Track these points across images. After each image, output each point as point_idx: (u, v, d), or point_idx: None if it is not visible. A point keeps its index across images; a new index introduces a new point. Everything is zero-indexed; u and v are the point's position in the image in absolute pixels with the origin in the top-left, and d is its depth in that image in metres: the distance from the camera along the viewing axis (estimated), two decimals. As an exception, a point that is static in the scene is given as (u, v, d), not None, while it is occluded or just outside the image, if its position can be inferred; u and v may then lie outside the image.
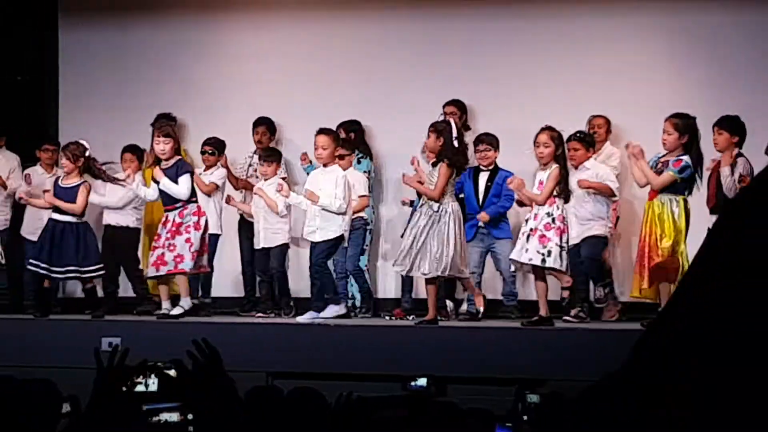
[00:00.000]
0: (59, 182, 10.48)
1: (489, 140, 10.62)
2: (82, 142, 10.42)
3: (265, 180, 11.02)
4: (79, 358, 5.64)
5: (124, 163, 11.22)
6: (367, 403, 4.70)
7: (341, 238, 10.19)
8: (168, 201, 10.16)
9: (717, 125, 9.75)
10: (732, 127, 9.76)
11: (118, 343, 4.44)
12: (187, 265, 10.07)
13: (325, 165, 10.26)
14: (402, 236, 9.96)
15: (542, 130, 9.65)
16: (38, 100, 12.47)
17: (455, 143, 9.64)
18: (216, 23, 12.37)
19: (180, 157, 10.31)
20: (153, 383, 5.16)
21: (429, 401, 5.60)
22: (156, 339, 9.11)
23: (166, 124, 10.39)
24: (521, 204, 10.06)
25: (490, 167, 10.60)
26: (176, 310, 10.17)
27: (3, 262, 10.96)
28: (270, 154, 11.11)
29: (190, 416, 4.28)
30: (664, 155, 9.47)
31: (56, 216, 10.38)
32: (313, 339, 9.41)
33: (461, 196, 10.36)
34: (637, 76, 11.39)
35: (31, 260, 10.39)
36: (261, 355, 9.15)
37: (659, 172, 9.37)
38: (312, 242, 10.19)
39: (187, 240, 10.03)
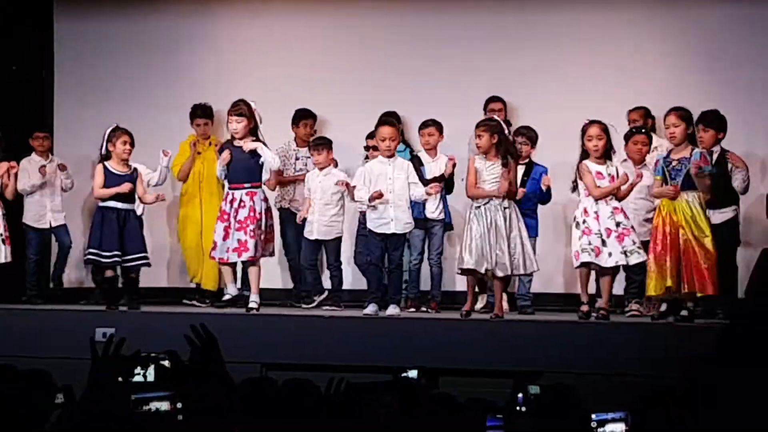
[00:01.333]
0: (109, 168, 10.35)
1: (528, 134, 10.57)
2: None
3: (320, 169, 10.89)
4: (74, 349, 5.66)
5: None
6: (358, 390, 4.72)
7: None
8: (237, 178, 10.11)
9: (702, 122, 9.75)
10: (718, 123, 9.81)
11: (113, 333, 4.43)
12: (262, 250, 10.14)
13: (389, 157, 10.07)
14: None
15: (593, 123, 9.70)
16: (33, 91, 12.43)
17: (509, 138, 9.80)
18: (213, 13, 12.35)
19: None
20: (149, 374, 5.17)
21: (423, 391, 5.61)
22: (150, 330, 9.13)
23: (240, 104, 10.22)
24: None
25: (525, 161, 10.49)
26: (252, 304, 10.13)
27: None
28: (322, 142, 10.97)
29: (179, 405, 4.29)
30: (667, 154, 9.43)
31: (114, 204, 10.30)
32: (307, 330, 9.44)
33: None
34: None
35: (92, 251, 10.27)
36: (254, 346, 9.17)
37: (671, 172, 9.32)
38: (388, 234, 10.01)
39: (261, 226, 10.06)
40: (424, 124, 10.69)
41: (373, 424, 4.61)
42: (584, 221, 9.61)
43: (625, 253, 9.50)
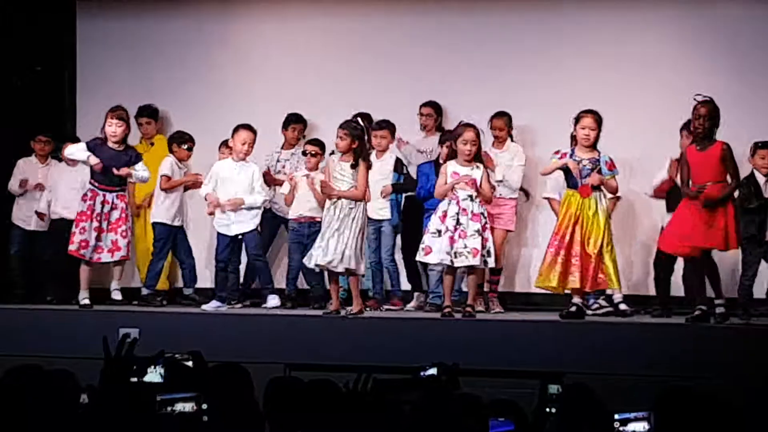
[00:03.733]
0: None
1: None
2: None
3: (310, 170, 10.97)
4: (98, 349, 5.68)
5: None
6: (384, 386, 4.74)
7: None
8: (110, 180, 10.37)
9: (687, 129, 9.87)
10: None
11: (128, 333, 4.44)
12: (126, 253, 10.51)
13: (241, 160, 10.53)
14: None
15: (467, 126, 9.93)
16: (56, 91, 12.47)
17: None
18: (234, 13, 12.34)
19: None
20: (163, 374, 5.20)
21: (446, 390, 5.63)
22: (175, 331, 9.19)
23: (121, 108, 10.54)
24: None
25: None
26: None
27: None
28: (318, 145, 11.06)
29: (204, 406, 4.31)
30: (572, 153, 9.59)
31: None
32: (327, 330, 9.48)
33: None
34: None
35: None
36: (278, 347, 9.21)
37: (581, 170, 9.49)
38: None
39: (129, 229, 10.48)
40: (378, 126, 10.80)
41: (398, 417, 4.63)
42: (429, 221, 9.89)
43: (453, 254, 9.60)
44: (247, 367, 5.37)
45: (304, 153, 11.01)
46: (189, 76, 12.24)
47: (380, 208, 10.79)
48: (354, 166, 9.77)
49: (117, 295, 10.59)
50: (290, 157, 11.41)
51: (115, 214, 10.31)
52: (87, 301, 10.35)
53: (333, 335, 9.41)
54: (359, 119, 10.06)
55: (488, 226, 9.81)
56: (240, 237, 10.55)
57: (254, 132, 10.53)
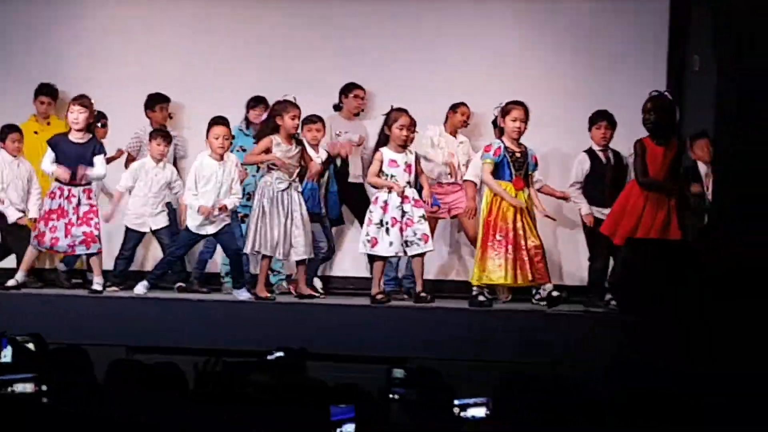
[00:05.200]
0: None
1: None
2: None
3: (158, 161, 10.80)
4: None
5: (12, 143, 10.91)
6: (233, 368, 4.74)
7: None
8: (74, 175, 10.06)
9: (606, 120, 10.31)
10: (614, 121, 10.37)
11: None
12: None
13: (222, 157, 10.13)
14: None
15: (404, 113, 9.91)
16: None
17: None
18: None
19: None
20: (7, 355, 5.13)
21: (292, 372, 5.65)
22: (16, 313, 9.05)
23: (84, 96, 10.18)
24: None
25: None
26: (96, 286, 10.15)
27: None
28: (166, 133, 10.91)
29: (44, 387, 4.26)
30: (505, 146, 9.65)
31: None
32: (174, 314, 9.43)
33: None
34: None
35: None
36: (120, 329, 9.13)
37: (514, 163, 9.61)
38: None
39: (99, 220, 10.19)
40: (310, 120, 10.60)
41: (242, 400, 4.63)
42: (371, 211, 9.85)
43: (405, 243, 9.70)
44: (88, 349, 5.32)
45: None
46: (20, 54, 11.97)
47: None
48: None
49: (98, 286, 10.11)
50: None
51: (83, 209, 10.04)
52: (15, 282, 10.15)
53: (178, 318, 9.36)
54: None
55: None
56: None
57: (228, 125, 10.26)
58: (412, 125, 9.83)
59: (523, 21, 11.57)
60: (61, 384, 4.23)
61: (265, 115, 10.53)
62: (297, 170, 10.00)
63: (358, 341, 9.02)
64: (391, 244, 9.69)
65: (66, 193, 10.06)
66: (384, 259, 9.85)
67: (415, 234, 9.68)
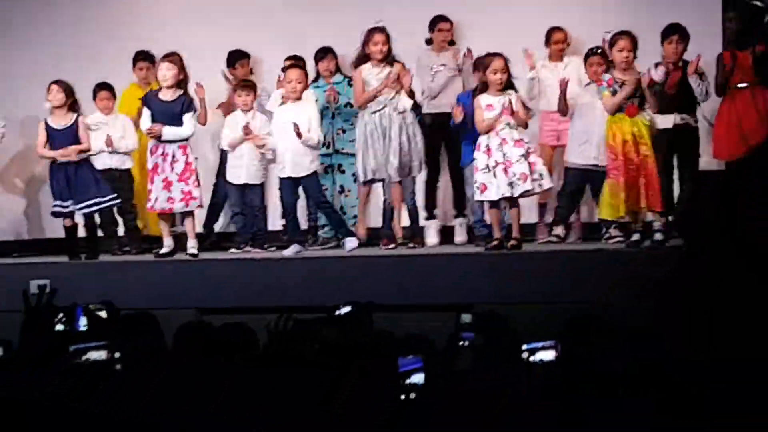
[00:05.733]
0: (50, 123, 10.34)
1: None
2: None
3: (244, 112, 10.89)
4: (10, 302, 5.66)
5: (100, 102, 11.15)
6: (303, 325, 4.79)
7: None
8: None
9: (677, 34, 10.08)
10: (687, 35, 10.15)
11: (46, 284, 4.48)
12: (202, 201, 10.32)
13: (297, 100, 10.16)
14: None
15: (496, 56, 9.83)
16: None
17: None
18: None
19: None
20: (83, 324, 5.21)
21: (360, 326, 5.70)
22: (86, 281, 9.16)
23: (173, 53, 10.23)
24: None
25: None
26: (192, 250, 10.21)
27: None
28: (248, 83, 11.00)
29: (117, 354, 4.33)
30: (611, 74, 9.56)
31: (62, 158, 10.29)
32: (240, 274, 9.51)
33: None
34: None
35: (54, 204, 10.32)
36: (190, 291, 9.23)
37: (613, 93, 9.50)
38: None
39: (198, 177, 10.18)
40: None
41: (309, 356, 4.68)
42: (475, 158, 9.84)
43: (511, 184, 9.66)
44: (158, 314, 5.40)
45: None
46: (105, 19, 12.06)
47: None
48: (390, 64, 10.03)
49: (193, 250, 10.21)
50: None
51: (179, 166, 10.08)
52: (168, 249, 10.21)
53: (244, 278, 9.44)
54: None
55: (532, 150, 9.79)
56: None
57: (304, 68, 10.40)
58: (506, 68, 9.78)
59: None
60: (133, 350, 4.30)
61: (333, 66, 10.88)
62: (395, 92, 10.06)
63: (425, 291, 9.04)
64: (498, 187, 9.70)
65: (161, 150, 10.10)
66: (496, 204, 9.84)
67: (515, 174, 9.66)
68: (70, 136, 10.27)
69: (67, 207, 10.26)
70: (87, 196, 10.27)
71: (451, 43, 11.25)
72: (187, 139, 10.14)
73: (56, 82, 10.34)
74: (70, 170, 10.25)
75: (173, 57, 10.15)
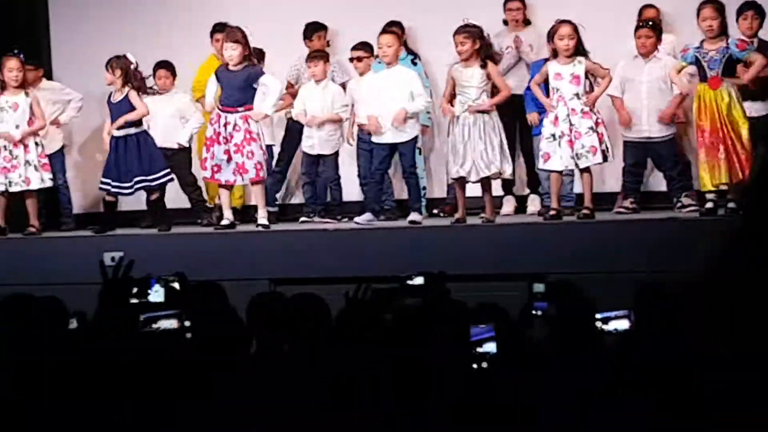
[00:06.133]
0: (110, 100, 10.44)
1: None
2: (127, 55, 10.42)
3: (317, 82, 10.86)
4: (85, 274, 5.73)
5: (159, 80, 11.18)
6: (382, 294, 4.80)
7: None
8: (228, 101, 10.11)
9: (753, 9, 9.84)
10: (763, 11, 9.93)
11: (121, 256, 4.52)
12: (266, 171, 10.23)
13: (389, 65, 10.11)
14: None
15: (563, 22, 9.69)
16: (28, 23, 12.31)
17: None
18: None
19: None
20: (159, 295, 5.25)
21: (434, 297, 5.70)
22: (160, 252, 9.23)
23: (234, 30, 10.20)
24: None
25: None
26: (262, 220, 10.15)
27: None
28: (318, 54, 10.94)
29: (187, 323, 4.37)
30: (700, 45, 9.39)
31: (116, 132, 10.37)
32: (313, 244, 9.55)
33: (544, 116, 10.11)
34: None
35: (101, 180, 10.44)
36: (262, 262, 9.28)
37: (709, 63, 9.32)
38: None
39: (261, 147, 10.10)
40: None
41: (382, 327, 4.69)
42: (543, 126, 9.81)
43: (576, 156, 9.58)
44: (231, 284, 5.44)
45: (350, 60, 10.74)
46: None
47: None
48: (484, 66, 9.67)
49: (263, 221, 10.14)
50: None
51: (238, 136, 10.06)
52: (227, 222, 10.15)
53: (317, 249, 9.47)
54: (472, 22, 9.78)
55: (601, 120, 9.69)
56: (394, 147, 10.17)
57: (397, 33, 10.30)
58: (574, 34, 9.61)
59: None
60: (203, 319, 4.34)
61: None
62: (482, 92, 9.71)
63: (497, 260, 9.04)
64: (561, 157, 9.62)
65: (223, 119, 10.08)
66: (559, 172, 9.78)
67: (583, 147, 9.57)
68: (124, 108, 10.34)
69: (114, 186, 10.40)
70: (130, 176, 10.34)
71: (527, 22, 11.15)
72: (250, 109, 10.07)
73: (109, 61, 10.41)
74: (120, 148, 10.33)
75: (236, 34, 10.11)
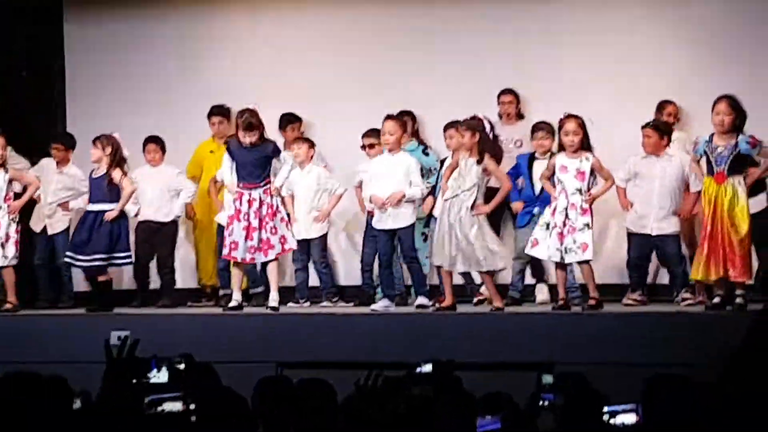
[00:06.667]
0: (92, 175, 10.58)
1: (546, 128, 10.57)
2: (115, 134, 10.52)
3: (301, 165, 11.00)
4: (90, 353, 5.70)
5: (148, 155, 11.35)
6: (393, 383, 4.77)
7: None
8: (250, 177, 10.12)
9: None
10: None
11: (127, 335, 4.51)
12: (292, 244, 10.19)
13: (390, 151, 10.22)
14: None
15: (568, 117, 9.75)
16: (45, 97, 12.47)
17: (490, 136, 9.82)
18: (223, 14, 12.40)
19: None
20: (163, 376, 5.22)
21: (443, 387, 5.66)
22: (166, 333, 9.19)
23: (247, 116, 10.13)
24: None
25: (546, 155, 10.47)
26: (273, 303, 10.16)
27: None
28: (304, 138, 11.18)
29: (192, 406, 4.34)
30: (710, 139, 9.39)
31: (89, 206, 10.51)
32: (321, 329, 9.50)
33: (519, 180, 10.34)
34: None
35: (66, 253, 10.54)
36: (270, 345, 9.24)
37: (717, 158, 9.32)
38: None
39: (282, 219, 10.13)
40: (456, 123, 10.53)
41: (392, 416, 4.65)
42: (542, 214, 9.85)
43: (565, 249, 9.60)
44: (238, 366, 5.41)
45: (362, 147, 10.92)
46: (179, 78, 12.28)
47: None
48: (480, 162, 9.67)
49: (274, 303, 10.16)
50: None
51: (264, 210, 10.05)
52: (236, 303, 10.16)
53: (325, 333, 9.42)
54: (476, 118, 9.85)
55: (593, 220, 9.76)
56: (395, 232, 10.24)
57: (401, 120, 10.37)
58: (579, 130, 9.67)
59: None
60: (209, 401, 4.31)
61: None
62: (471, 183, 9.70)
63: (506, 348, 8.98)
64: (548, 247, 9.66)
65: (246, 196, 10.08)
66: (564, 268, 9.77)
67: (575, 242, 9.59)
68: (104, 185, 10.47)
69: (71, 258, 10.49)
70: (91, 250, 10.43)
71: (520, 116, 11.30)
72: (270, 182, 10.12)
73: (98, 138, 10.55)
74: (94, 222, 10.46)
75: (251, 119, 10.06)
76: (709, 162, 9.45)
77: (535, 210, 10.41)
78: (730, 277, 9.27)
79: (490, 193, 9.97)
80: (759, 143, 9.41)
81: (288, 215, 10.36)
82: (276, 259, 10.20)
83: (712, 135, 9.45)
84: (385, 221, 10.14)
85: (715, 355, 8.07)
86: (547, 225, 9.69)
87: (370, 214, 10.60)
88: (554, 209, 9.68)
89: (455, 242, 9.62)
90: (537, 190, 10.44)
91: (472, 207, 9.63)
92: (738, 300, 9.33)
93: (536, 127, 10.68)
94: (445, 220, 9.69)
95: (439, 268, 9.96)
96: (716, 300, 9.41)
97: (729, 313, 9.17)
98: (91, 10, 12.53)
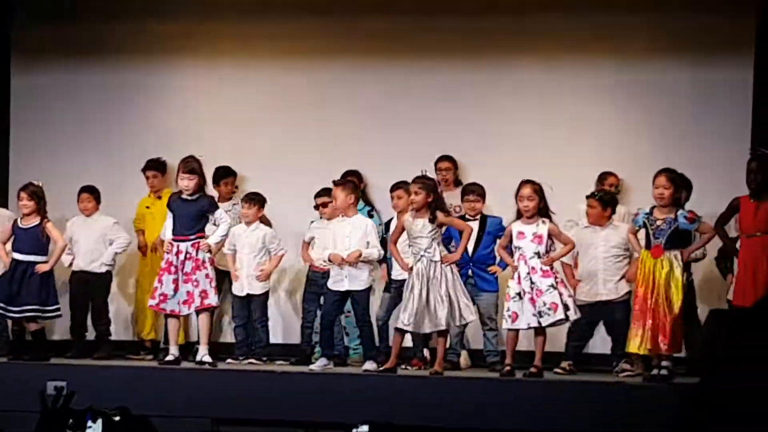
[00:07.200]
0: (18, 224, 10.50)
1: (478, 191, 10.78)
2: (40, 183, 10.49)
3: (247, 224, 11.02)
4: (26, 402, 5.64)
5: (81, 204, 11.33)
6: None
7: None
8: (183, 230, 10.10)
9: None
10: (686, 184, 10.03)
11: (63, 386, 4.47)
12: (213, 299, 10.14)
13: (345, 216, 10.21)
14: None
15: (524, 183, 9.76)
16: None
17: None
18: (168, 66, 12.46)
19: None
20: (98, 428, 5.18)
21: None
22: (102, 384, 9.09)
23: (191, 160, 10.19)
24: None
25: (477, 217, 10.68)
26: (205, 357, 10.12)
27: None
28: (254, 197, 11.10)
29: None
30: (650, 212, 9.47)
31: (19, 256, 10.41)
32: (259, 386, 9.42)
33: (451, 246, 10.27)
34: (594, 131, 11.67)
35: None
36: (206, 400, 9.16)
37: (655, 231, 9.40)
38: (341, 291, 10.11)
39: (208, 276, 10.08)
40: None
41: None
42: (508, 286, 9.83)
43: (539, 313, 9.59)
44: (174, 420, 5.36)
45: (315, 207, 11.07)
46: (121, 129, 12.32)
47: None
48: (432, 221, 9.66)
49: (204, 357, 10.10)
50: (230, 209, 11.40)
51: (188, 265, 10.05)
52: (172, 357, 10.14)
53: (263, 390, 9.35)
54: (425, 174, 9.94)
55: (561, 279, 9.82)
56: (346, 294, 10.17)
57: (350, 185, 10.32)
58: (533, 195, 9.66)
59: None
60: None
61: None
62: (429, 242, 9.68)
63: (443, 413, 8.94)
64: (526, 315, 9.62)
65: (175, 248, 10.09)
66: (543, 332, 9.73)
67: (544, 304, 9.58)
68: (34, 236, 10.41)
69: (2, 308, 10.43)
70: (22, 302, 10.36)
71: (458, 183, 11.43)
72: (202, 237, 10.11)
73: (25, 186, 10.53)
74: (20, 272, 10.39)
75: (192, 164, 10.12)
76: (647, 235, 9.51)
77: (470, 272, 10.57)
78: (661, 350, 9.30)
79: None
80: (698, 218, 9.46)
81: (217, 272, 10.33)
82: (208, 311, 10.15)
83: (653, 207, 9.53)
84: (341, 283, 10.10)
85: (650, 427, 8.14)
86: (518, 294, 9.65)
87: (320, 272, 10.62)
88: (518, 278, 9.67)
89: (427, 302, 9.60)
90: (470, 251, 10.53)
91: (442, 261, 9.65)
92: (663, 372, 9.35)
93: (467, 190, 10.87)
94: (416, 282, 9.64)
95: (396, 330, 9.85)
96: (654, 372, 9.42)
97: (661, 385, 9.17)
98: (38, 60, 12.53)
